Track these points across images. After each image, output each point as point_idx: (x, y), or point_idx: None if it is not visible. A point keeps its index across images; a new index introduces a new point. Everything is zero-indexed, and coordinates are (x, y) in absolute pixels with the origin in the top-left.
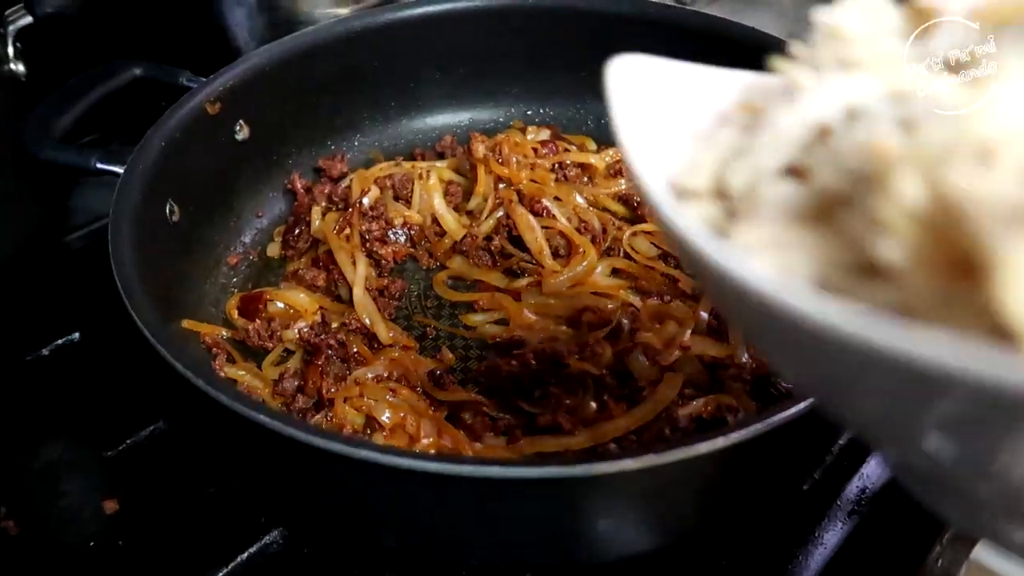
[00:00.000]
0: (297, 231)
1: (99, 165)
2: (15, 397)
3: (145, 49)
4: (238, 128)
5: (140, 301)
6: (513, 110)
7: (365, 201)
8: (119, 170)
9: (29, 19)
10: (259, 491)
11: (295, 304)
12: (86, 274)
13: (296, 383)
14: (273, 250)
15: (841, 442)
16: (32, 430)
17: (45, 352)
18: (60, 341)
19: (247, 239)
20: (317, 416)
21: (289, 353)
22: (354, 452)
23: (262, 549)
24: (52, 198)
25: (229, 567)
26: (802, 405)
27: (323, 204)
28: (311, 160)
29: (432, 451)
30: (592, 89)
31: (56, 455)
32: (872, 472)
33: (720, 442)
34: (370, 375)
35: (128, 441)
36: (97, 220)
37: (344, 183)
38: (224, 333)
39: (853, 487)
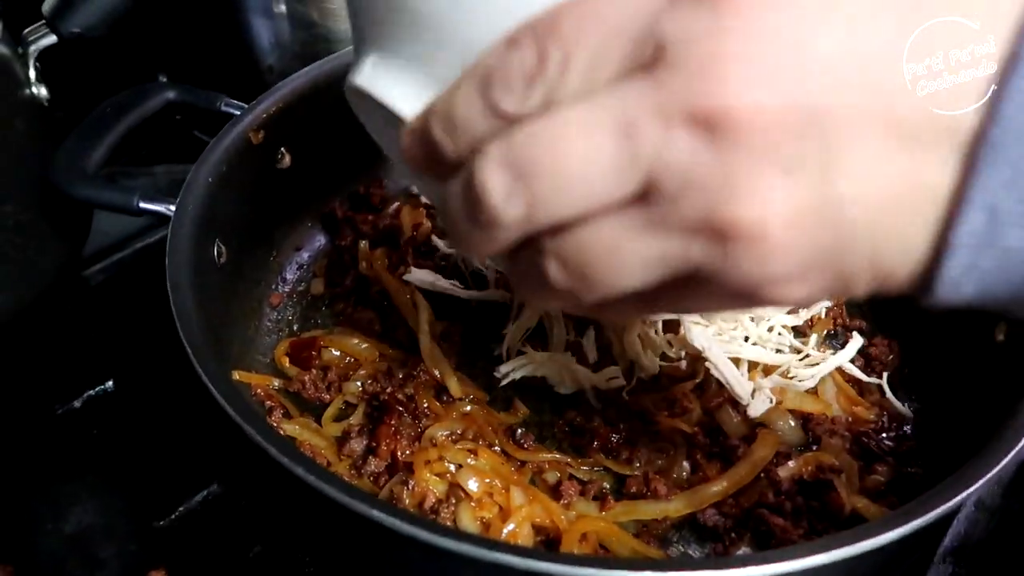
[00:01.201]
0: (342, 266)
1: (143, 205)
2: (45, 454)
3: (168, 69)
4: (280, 156)
5: (216, 373)
6: None
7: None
8: (162, 209)
9: (51, 39)
10: (337, 570)
11: (353, 352)
12: (111, 313)
13: (364, 443)
14: (317, 287)
15: None
16: (64, 491)
17: (77, 404)
18: (93, 391)
19: (289, 275)
20: (392, 481)
21: (348, 405)
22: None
23: None
24: (76, 231)
25: None
26: (979, 484)
27: (368, 237)
28: (351, 187)
29: (528, 523)
30: None
31: (91, 519)
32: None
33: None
34: (444, 433)
35: (181, 508)
36: (112, 249)
37: (389, 211)
38: (276, 383)
39: (949, 544)
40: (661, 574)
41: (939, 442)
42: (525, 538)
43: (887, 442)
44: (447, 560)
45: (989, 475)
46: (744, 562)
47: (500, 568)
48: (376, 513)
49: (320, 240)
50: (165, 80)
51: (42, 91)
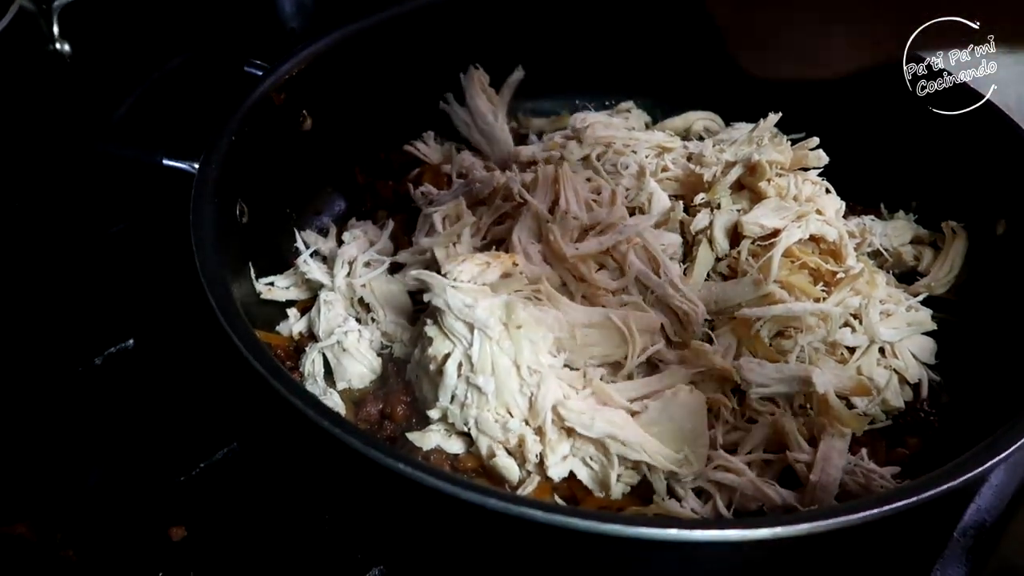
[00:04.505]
0: None
1: (167, 162)
2: (66, 412)
3: (192, 32)
4: (302, 119)
5: (253, 342)
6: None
7: None
8: (186, 167)
9: None
10: (357, 527)
11: None
12: (131, 274)
13: (379, 407)
14: None
15: None
16: (85, 449)
17: (98, 361)
18: (113, 349)
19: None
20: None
21: None
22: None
23: None
24: (97, 189)
25: None
26: (991, 461)
27: (387, 203)
28: (372, 152)
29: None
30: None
31: (111, 476)
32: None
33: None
34: None
35: (202, 465)
36: (132, 211)
37: (409, 177)
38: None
39: (969, 518)
40: (687, 532)
41: (966, 422)
42: None
43: (920, 415)
44: (469, 514)
45: (990, 463)
46: (770, 522)
47: (524, 522)
48: (402, 466)
49: (340, 205)
50: (189, 41)
51: (65, 47)
